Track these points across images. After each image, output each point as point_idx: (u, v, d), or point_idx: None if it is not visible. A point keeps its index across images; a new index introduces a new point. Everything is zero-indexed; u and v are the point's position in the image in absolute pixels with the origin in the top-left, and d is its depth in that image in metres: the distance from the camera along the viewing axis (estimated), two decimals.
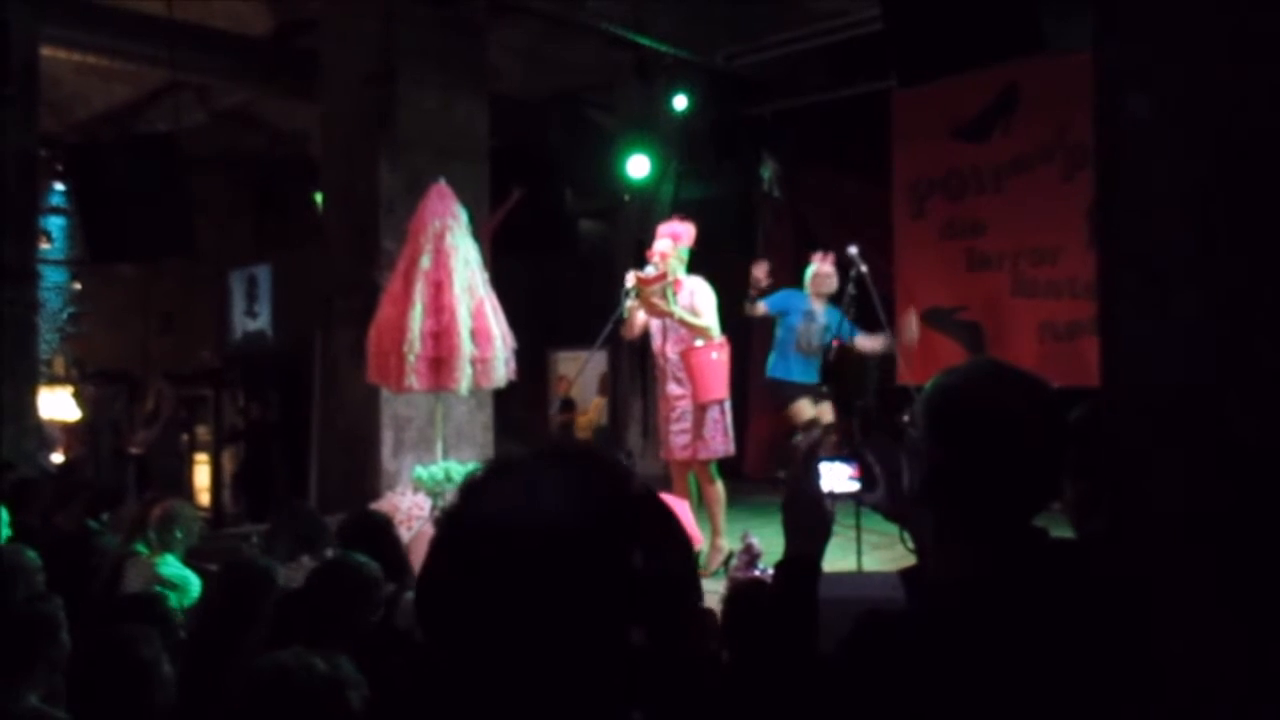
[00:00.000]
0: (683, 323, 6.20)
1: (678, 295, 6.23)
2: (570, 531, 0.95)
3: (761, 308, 7.30)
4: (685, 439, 6.28)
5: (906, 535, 1.77)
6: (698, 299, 6.26)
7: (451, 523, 1.01)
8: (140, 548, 4.94)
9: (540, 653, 0.94)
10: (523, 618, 0.93)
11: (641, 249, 6.74)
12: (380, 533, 4.57)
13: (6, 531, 5.11)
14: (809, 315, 7.38)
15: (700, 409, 6.22)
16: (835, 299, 7.30)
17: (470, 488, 1.02)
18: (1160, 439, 2.96)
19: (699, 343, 6.22)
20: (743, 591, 3.42)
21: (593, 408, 11.74)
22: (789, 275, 11.16)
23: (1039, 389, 1.58)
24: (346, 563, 3.46)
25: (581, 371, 10.33)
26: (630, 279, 6.26)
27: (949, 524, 1.55)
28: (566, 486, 0.99)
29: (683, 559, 1.04)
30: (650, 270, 6.23)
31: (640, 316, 6.38)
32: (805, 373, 7.35)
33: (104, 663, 2.77)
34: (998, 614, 1.43)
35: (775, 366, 7.47)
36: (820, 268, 7.49)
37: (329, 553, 5.89)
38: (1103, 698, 1.40)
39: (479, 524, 0.98)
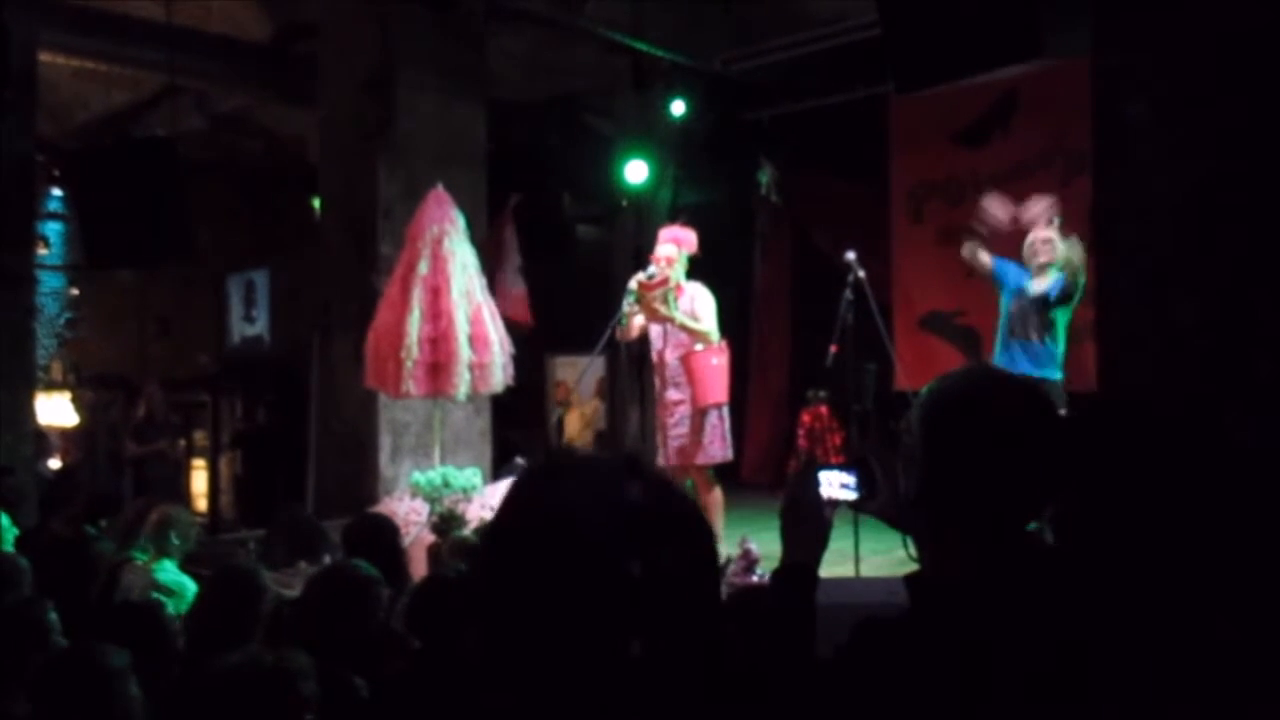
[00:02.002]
0: (683, 328, 6.21)
1: (678, 300, 6.24)
2: (616, 538, 0.95)
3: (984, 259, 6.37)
4: (683, 444, 6.28)
5: (909, 542, 1.76)
6: (698, 304, 6.27)
7: (503, 526, 1.02)
8: (137, 554, 4.93)
9: (553, 661, 0.94)
10: (561, 623, 0.94)
11: (640, 254, 6.73)
12: (387, 537, 4.57)
13: (12, 533, 5.11)
14: (1020, 293, 6.31)
15: (700, 414, 6.22)
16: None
17: (519, 493, 1.03)
18: (1158, 442, 2.96)
19: (699, 347, 6.22)
20: (743, 598, 3.42)
21: (590, 408, 11.73)
22: (786, 280, 11.21)
23: (1033, 395, 1.58)
24: (344, 568, 3.46)
25: (581, 377, 10.33)
26: (633, 283, 6.26)
27: (944, 530, 1.55)
28: (614, 492, 0.99)
29: (711, 568, 1.04)
30: (653, 272, 6.23)
31: (638, 320, 6.38)
32: (1024, 364, 6.10)
33: (69, 671, 2.74)
34: (992, 619, 1.43)
35: (997, 356, 6.44)
36: (1035, 234, 6.34)
37: (327, 559, 5.91)
38: (1097, 703, 1.40)
39: (529, 530, 0.99)
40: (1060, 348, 6.25)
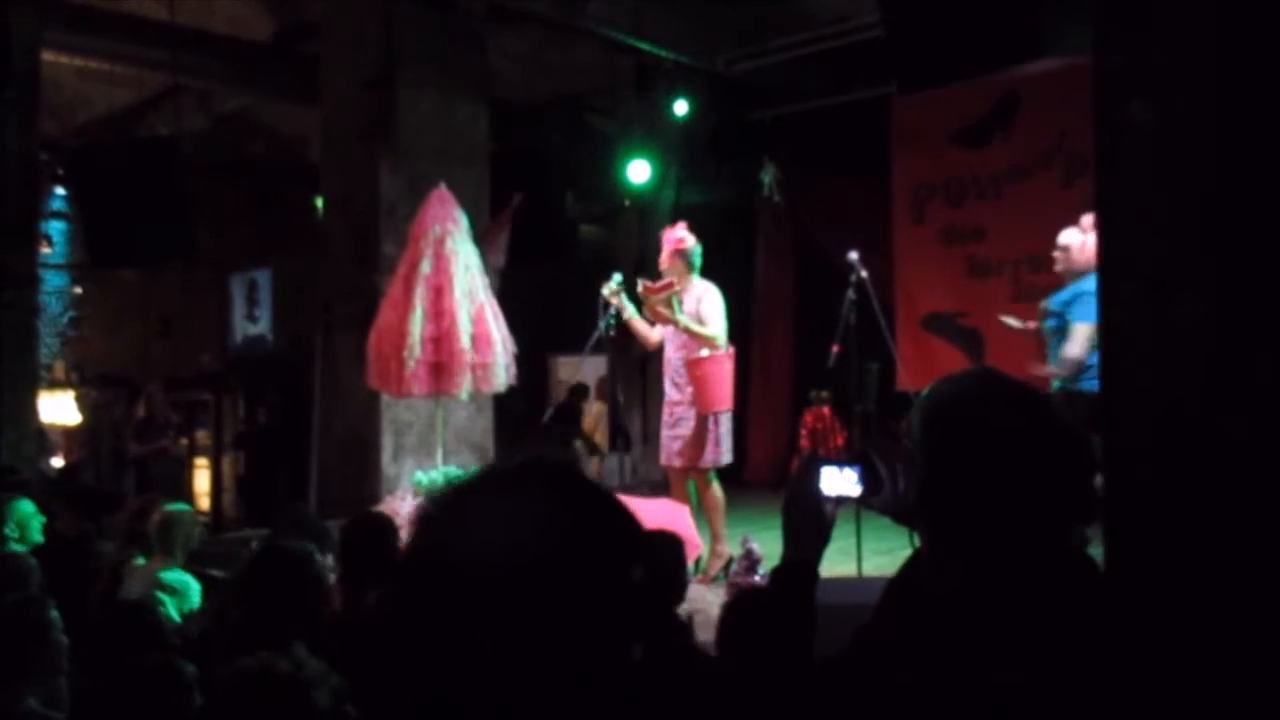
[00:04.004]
0: (687, 331, 6.20)
1: (684, 300, 6.24)
2: (520, 555, 0.94)
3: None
4: (680, 445, 6.27)
5: (915, 538, 1.75)
6: (705, 305, 6.26)
7: (415, 547, 1.01)
8: (140, 553, 4.93)
9: (491, 671, 0.93)
10: (475, 641, 0.93)
11: (645, 255, 6.75)
12: (383, 537, 4.57)
13: (39, 520, 5.13)
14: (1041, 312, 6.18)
15: (701, 417, 6.21)
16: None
17: (432, 511, 1.01)
18: (1159, 442, 2.96)
19: (705, 352, 6.21)
20: (744, 599, 3.42)
21: (593, 413, 11.72)
22: (789, 280, 11.21)
23: (1032, 400, 1.57)
24: (286, 549, 3.43)
25: (574, 379, 10.34)
26: (610, 286, 6.32)
27: (943, 534, 1.54)
28: (524, 512, 0.98)
29: (620, 568, 1.01)
30: (616, 284, 6.30)
31: (642, 327, 6.43)
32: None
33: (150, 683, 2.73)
34: (990, 624, 1.42)
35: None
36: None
37: (330, 559, 5.91)
38: (1097, 711, 1.39)
39: (437, 550, 0.98)
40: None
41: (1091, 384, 5.93)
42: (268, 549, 3.53)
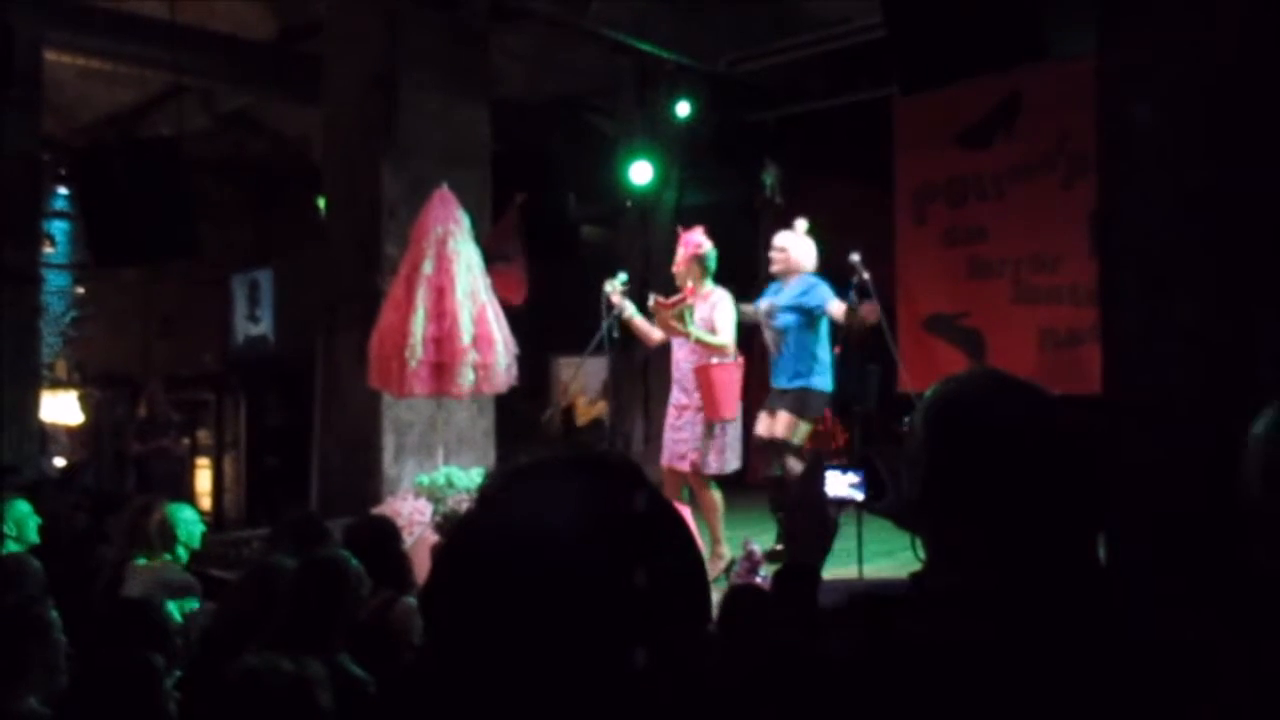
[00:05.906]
0: (699, 342, 6.20)
1: (695, 308, 6.25)
2: (585, 545, 0.94)
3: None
4: (684, 449, 6.26)
5: (917, 543, 1.75)
6: (717, 313, 6.27)
7: (468, 530, 1.01)
8: (142, 552, 4.94)
9: (544, 666, 0.93)
10: (530, 632, 0.93)
11: (649, 255, 6.76)
12: (387, 539, 4.58)
13: (34, 521, 5.14)
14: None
15: (708, 424, 6.21)
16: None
17: (488, 495, 1.02)
18: (1159, 444, 2.97)
19: (715, 359, 6.21)
20: (743, 597, 3.42)
21: (598, 408, 11.72)
22: None
23: (1039, 399, 1.56)
24: (336, 559, 3.46)
25: (574, 379, 10.35)
26: (613, 285, 6.33)
27: (946, 536, 1.53)
28: (584, 497, 0.98)
29: (696, 576, 1.03)
30: (624, 278, 6.35)
31: (643, 325, 6.44)
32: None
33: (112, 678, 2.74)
34: (994, 630, 1.42)
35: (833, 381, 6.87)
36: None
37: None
38: (1096, 715, 1.39)
39: (495, 533, 0.98)
40: None
41: (823, 380, 6.64)
42: (315, 559, 3.54)
